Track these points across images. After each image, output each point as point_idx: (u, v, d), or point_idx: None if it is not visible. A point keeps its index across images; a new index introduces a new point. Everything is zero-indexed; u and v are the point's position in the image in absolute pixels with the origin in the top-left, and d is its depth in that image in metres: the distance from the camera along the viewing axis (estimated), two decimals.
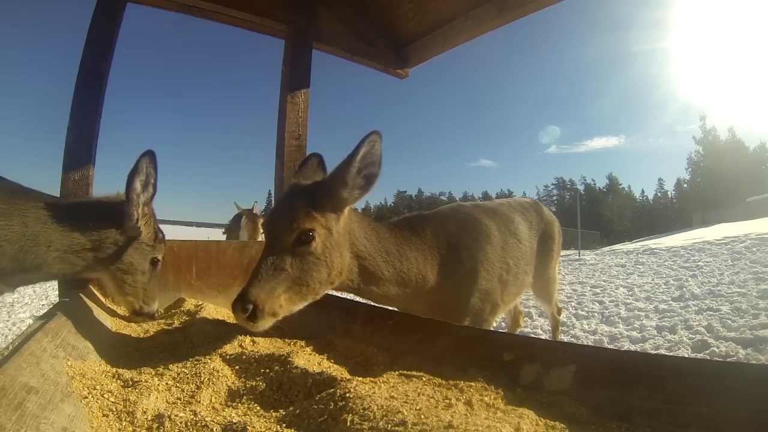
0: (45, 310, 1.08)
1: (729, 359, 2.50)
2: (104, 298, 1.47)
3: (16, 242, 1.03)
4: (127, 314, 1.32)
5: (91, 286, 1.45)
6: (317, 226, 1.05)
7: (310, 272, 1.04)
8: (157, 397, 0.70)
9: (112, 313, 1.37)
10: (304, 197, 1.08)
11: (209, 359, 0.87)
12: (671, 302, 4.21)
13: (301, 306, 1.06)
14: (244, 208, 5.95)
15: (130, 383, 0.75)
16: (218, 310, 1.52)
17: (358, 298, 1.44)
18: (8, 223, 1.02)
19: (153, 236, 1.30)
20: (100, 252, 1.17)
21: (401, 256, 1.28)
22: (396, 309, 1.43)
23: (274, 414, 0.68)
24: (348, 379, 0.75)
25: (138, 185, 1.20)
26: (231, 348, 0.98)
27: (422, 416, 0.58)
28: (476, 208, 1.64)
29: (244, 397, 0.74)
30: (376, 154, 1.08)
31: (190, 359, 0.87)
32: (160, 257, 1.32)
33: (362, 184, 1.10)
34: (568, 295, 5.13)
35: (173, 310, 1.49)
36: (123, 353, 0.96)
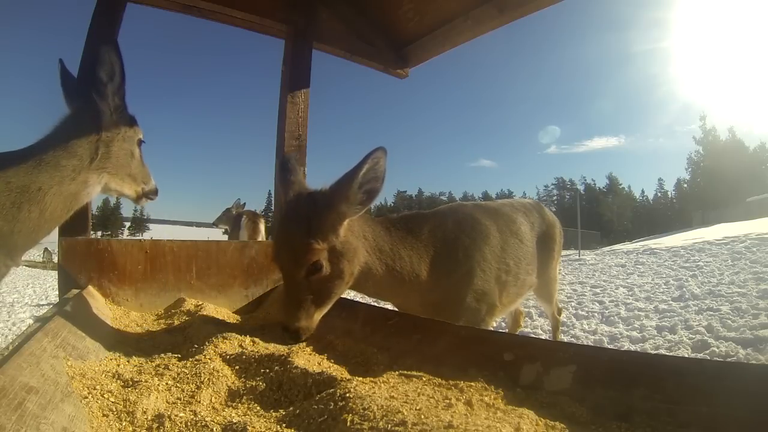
0: (45, 310, 1.08)
1: (729, 359, 2.50)
2: (104, 298, 1.47)
3: (6, 199, 1.01)
4: (134, 200, 1.38)
5: (90, 286, 1.45)
6: (321, 254, 1.10)
7: (329, 289, 1.14)
8: (157, 397, 0.70)
9: (112, 313, 1.37)
10: (303, 225, 1.10)
11: (209, 359, 0.87)
12: (671, 302, 4.21)
13: (330, 307, 1.17)
14: (237, 204, 6.06)
15: (130, 383, 0.75)
16: (218, 310, 1.52)
17: (358, 297, 1.44)
18: None
19: (129, 122, 1.29)
20: (95, 161, 1.16)
21: (394, 254, 1.30)
22: (395, 308, 1.44)
23: (274, 414, 0.68)
24: (348, 379, 0.75)
25: (103, 76, 1.17)
26: (231, 348, 0.98)
27: (422, 416, 0.58)
28: (477, 208, 1.63)
29: (244, 397, 0.74)
30: (380, 170, 1.10)
31: (190, 359, 0.87)
32: (142, 137, 1.34)
33: (363, 199, 1.12)
34: (568, 295, 5.13)
35: (173, 310, 1.49)
36: (123, 353, 0.96)
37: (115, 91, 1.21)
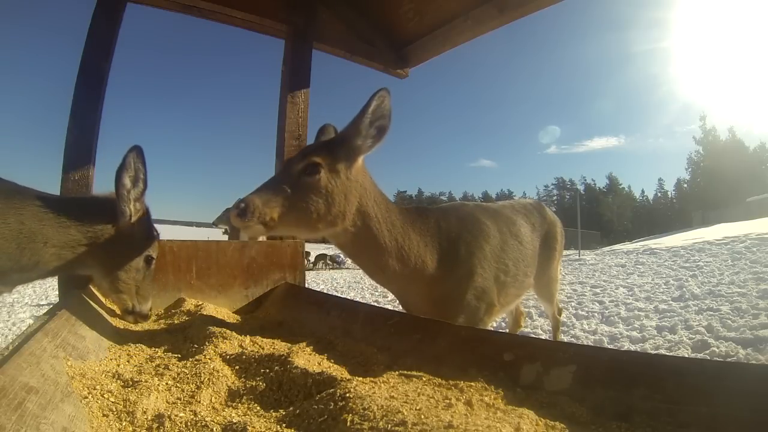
0: (45, 310, 1.08)
1: (729, 359, 2.50)
2: (104, 298, 1.47)
3: (13, 240, 1.03)
4: (119, 313, 1.31)
5: (91, 286, 1.45)
6: (325, 163, 1.16)
7: (308, 201, 1.14)
8: (157, 397, 0.70)
9: (112, 313, 1.37)
10: (321, 145, 1.24)
11: (209, 359, 0.87)
12: (671, 302, 4.21)
13: (294, 230, 1.21)
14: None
15: (130, 383, 0.75)
16: (218, 310, 1.52)
17: (358, 298, 1.44)
18: (5, 221, 1.03)
19: (147, 233, 1.29)
20: (95, 248, 1.16)
21: (405, 233, 1.32)
22: (396, 299, 1.45)
23: (274, 414, 0.68)
24: (348, 379, 0.75)
25: (127, 181, 1.19)
26: (231, 348, 0.98)
27: (422, 416, 0.58)
28: (478, 208, 1.64)
29: (244, 397, 0.74)
30: (386, 108, 1.20)
31: (190, 359, 0.87)
32: (154, 255, 1.31)
33: (374, 134, 1.22)
34: (568, 295, 5.13)
35: (173, 310, 1.49)
36: (123, 353, 0.96)
37: (137, 197, 1.22)
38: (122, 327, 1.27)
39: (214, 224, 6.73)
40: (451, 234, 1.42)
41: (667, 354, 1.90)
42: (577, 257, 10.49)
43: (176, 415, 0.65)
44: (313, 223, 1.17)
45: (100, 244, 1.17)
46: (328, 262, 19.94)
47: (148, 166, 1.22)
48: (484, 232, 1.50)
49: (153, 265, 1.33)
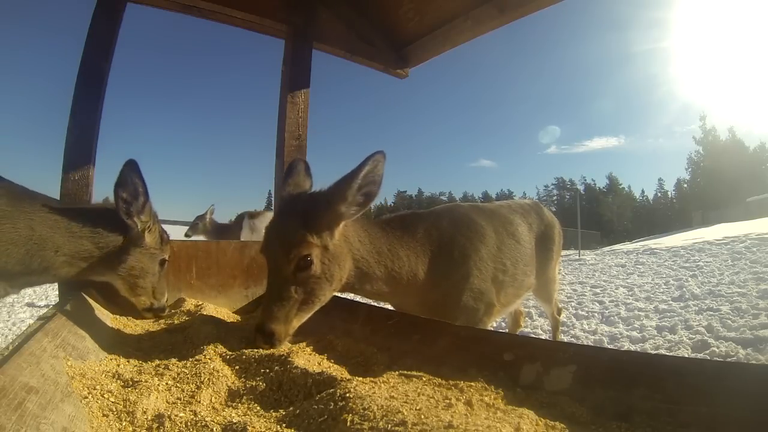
0: (45, 310, 1.08)
1: (729, 359, 2.50)
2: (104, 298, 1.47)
3: (22, 245, 1.04)
4: (139, 311, 1.33)
5: (91, 287, 1.45)
6: (313, 249, 1.07)
7: (315, 291, 1.09)
8: (157, 397, 0.70)
9: (113, 313, 1.37)
10: (298, 218, 1.09)
11: (209, 359, 0.87)
12: (671, 302, 4.21)
13: (311, 314, 1.11)
14: (211, 211, 5.93)
15: (130, 383, 0.75)
16: (218, 310, 1.52)
17: (358, 298, 1.44)
18: (14, 226, 1.03)
19: (159, 240, 1.31)
20: (108, 258, 1.18)
21: (393, 255, 1.29)
22: (393, 308, 1.44)
23: (274, 414, 0.69)
24: (348, 379, 0.75)
25: (126, 196, 1.20)
26: (231, 348, 0.98)
27: (422, 416, 0.58)
28: (473, 209, 1.63)
29: (244, 397, 0.74)
30: (379, 173, 1.09)
31: (190, 359, 0.87)
32: (167, 257, 1.35)
33: (360, 201, 1.11)
34: (568, 295, 5.13)
35: (173, 310, 1.49)
36: (123, 353, 0.96)
37: (140, 210, 1.23)
38: (122, 327, 1.27)
39: (187, 236, 6.10)
40: (443, 239, 1.41)
41: (667, 354, 1.90)
42: (577, 257, 10.49)
43: (176, 415, 0.65)
44: (323, 301, 1.14)
45: (113, 255, 1.19)
46: None
47: (145, 176, 1.22)
48: (479, 233, 1.49)
49: (166, 266, 1.37)
